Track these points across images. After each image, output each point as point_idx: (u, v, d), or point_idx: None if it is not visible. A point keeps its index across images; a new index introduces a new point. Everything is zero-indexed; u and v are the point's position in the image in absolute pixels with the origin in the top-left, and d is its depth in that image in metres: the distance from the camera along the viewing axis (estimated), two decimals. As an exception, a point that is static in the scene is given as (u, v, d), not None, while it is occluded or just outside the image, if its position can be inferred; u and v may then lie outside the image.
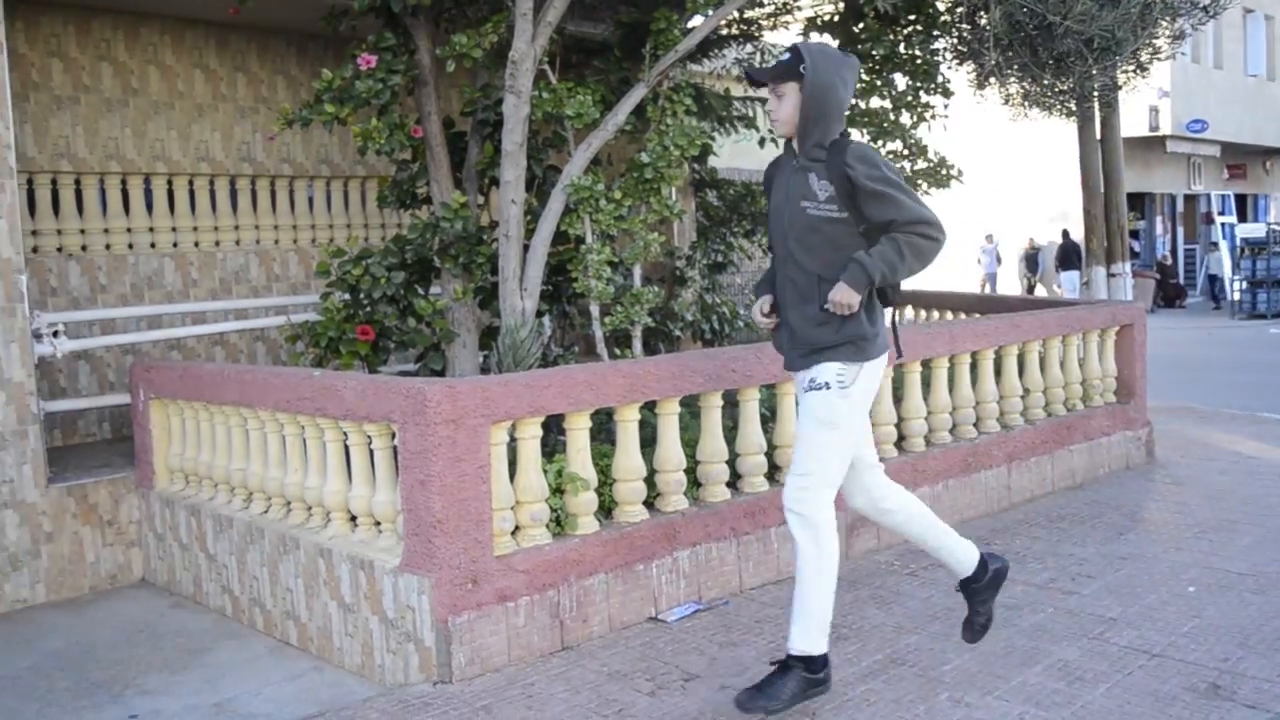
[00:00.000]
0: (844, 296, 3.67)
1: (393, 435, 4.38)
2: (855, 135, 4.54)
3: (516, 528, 4.45)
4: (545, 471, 4.51)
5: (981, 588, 4.02)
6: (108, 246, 7.24)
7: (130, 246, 7.33)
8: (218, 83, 7.77)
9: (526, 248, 5.96)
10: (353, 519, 4.71)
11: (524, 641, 4.37)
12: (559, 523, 4.62)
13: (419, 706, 3.99)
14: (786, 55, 3.76)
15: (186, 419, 5.62)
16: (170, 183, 7.55)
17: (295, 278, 8.04)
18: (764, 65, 4.13)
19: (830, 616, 3.73)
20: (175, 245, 7.53)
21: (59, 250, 7.04)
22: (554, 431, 5.04)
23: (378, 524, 4.58)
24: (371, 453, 4.51)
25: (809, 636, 3.71)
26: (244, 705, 4.30)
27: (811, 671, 3.72)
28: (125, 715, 4.27)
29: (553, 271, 6.40)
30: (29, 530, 5.61)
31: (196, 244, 7.63)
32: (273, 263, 7.93)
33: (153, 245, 7.43)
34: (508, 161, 5.82)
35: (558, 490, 4.59)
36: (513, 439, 4.42)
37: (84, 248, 7.14)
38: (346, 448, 4.62)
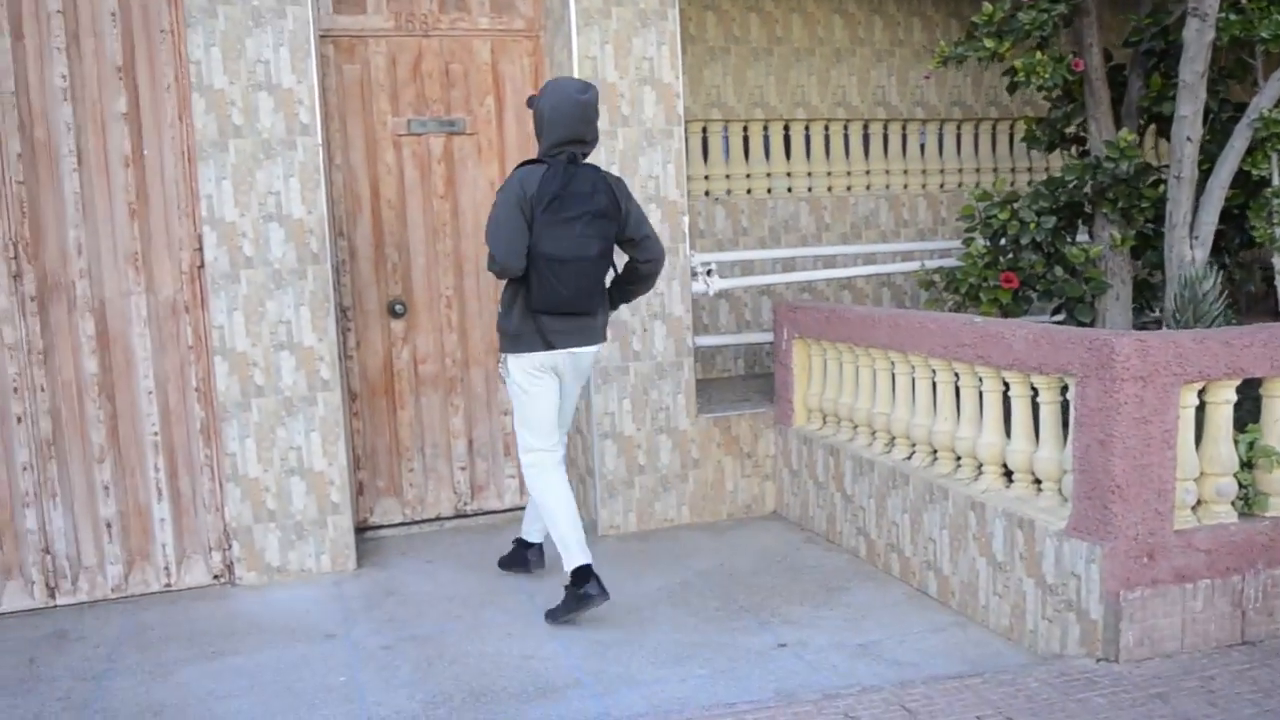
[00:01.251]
0: None
1: (1063, 389, 4.08)
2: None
3: (1198, 502, 3.99)
4: (1236, 442, 3.99)
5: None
6: (749, 191, 7.53)
7: (769, 191, 7.57)
8: (855, 27, 7.77)
9: (1199, 191, 5.35)
10: (1007, 474, 4.48)
11: (1199, 629, 3.92)
12: (1246, 501, 4.08)
13: (1084, 683, 3.70)
14: None
15: (828, 359, 5.68)
16: (808, 128, 7.69)
17: (923, 223, 7.90)
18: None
19: (573, 534, 4.58)
20: (810, 190, 7.67)
21: (706, 194, 7.43)
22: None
23: (1037, 482, 4.31)
24: (1035, 406, 4.24)
25: (568, 555, 4.60)
26: (889, 651, 4.25)
27: (578, 585, 4.58)
28: (774, 642, 4.38)
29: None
30: (679, 455, 5.98)
31: (829, 189, 7.72)
32: (901, 208, 7.85)
33: (789, 190, 7.62)
34: (1184, 94, 5.23)
35: (1246, 464, 4.05)
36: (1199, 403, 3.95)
37: (728, 192, 7.48)
38: (1006, 399, 4.39)
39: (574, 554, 4.57)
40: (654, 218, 5.77)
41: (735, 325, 7.46)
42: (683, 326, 5.90)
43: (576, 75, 5.60)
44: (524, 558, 5.29)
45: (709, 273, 6.16)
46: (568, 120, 4.47)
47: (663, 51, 5.79)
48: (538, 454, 4.72)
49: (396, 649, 4.46)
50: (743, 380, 7.30)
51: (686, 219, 5.85)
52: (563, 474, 4.72)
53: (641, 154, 5.75)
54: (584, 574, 4.56)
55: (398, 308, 5.94)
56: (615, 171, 5.70)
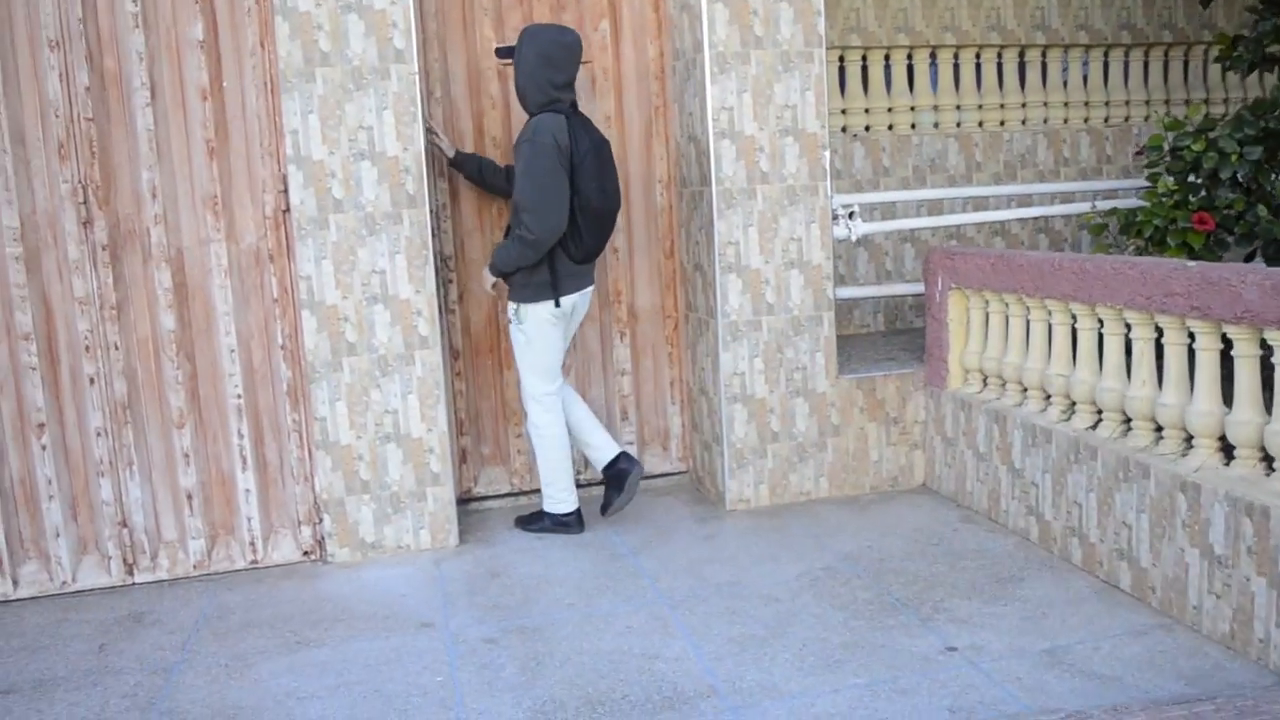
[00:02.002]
0: (482, 281, 5.03)
1: (1307, 347, 3.32)
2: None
3: None
4: None
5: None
6: (890, 127, 6.78)
7: (913, 127, 6.81)
8: (1012, -59, 6.94)
9: None
10: (1225, 449, 3.73)
11: None
12: None
13: (1346, 713, 2.97)
14: None
15: (991, 313, 4.95)
16: (956, 56, 6.89)
17: (1085, 161, 7.06)
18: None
19: (567, 479, 4.94)
20: (959, 125, 6.88)
21: (843, 130, 6.70)
22: None
23: (1268, 459, 3.56)
24: (1268, 367, 3.48)
25: (551, 500, 4.97)
26: (1082, 659, 3.55)
27: (562, 522, 5.01)
28: (941, 645, 3.72)
29: None
30: (817, 421, 5.31)
31: (981, 124, 6.92)
32: (1062, 145, 7.01)
33: (936, 125, 6.84)
34: None
35: None
36: None
37: (867, 128, 6.74)
38: (1225, 358, 3.63)
39: (566, 500, 4.97)
40: (791, 152, 5.09)
41: (875, 275, 6.75)
42: (822, 276, 5.21)
43: (702, -10, 4.94)
44: (618, 475, 4.98)
45: (851, 216, 5.46)
46: (560, 64, 4.53)
47: (800, -37, 5.07)
48: (549, 398, 4.84)
49: (500, 643, 3.91)
50: (883, 337, 6.58)
51: (828, 154, 5.14)
52: (563, 415, 4.90)
53: (777, 80, 5.05)
54: (575, 514, 5.01)
55: (504, 257, 5.37)
56: (748, 99, 5.02)
